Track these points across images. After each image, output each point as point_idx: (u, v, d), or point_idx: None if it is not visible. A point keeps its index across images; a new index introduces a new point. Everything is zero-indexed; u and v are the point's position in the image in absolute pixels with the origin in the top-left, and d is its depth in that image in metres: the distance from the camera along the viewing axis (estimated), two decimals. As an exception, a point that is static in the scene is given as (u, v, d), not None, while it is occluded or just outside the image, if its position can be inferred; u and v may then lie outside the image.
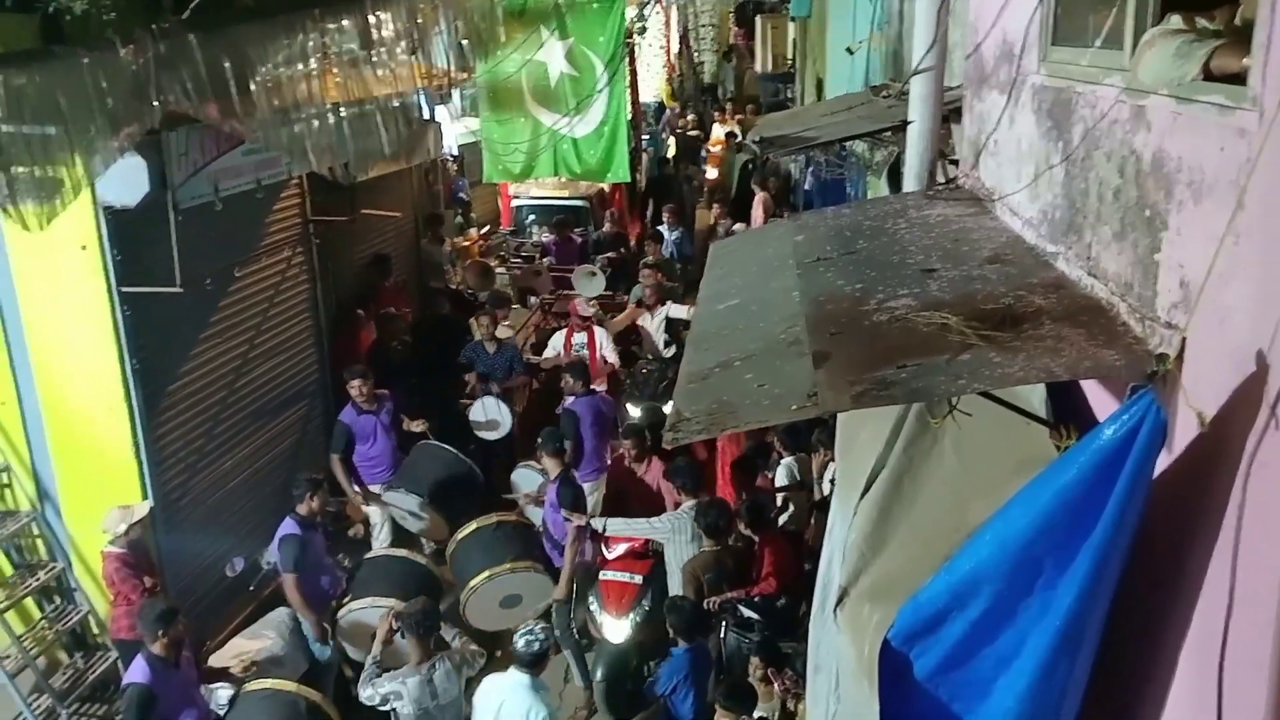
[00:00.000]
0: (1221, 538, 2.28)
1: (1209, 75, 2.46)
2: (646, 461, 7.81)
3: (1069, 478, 2.38)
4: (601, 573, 7.32)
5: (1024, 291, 3.16)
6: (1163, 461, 2.44)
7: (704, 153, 20.50)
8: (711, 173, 18.15)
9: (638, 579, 7.21)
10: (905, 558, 3.48)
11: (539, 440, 7.61)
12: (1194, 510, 2.42)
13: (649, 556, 7.31)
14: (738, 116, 19.74)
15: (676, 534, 6.84)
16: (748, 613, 6.59)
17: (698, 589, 6.53)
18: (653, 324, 10.51)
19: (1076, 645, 2.55)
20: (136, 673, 5.56)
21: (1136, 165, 2.81)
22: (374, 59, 5.70)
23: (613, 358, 9.91)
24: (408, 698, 5.64)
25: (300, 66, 5.32)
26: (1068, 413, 3.07)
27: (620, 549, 7.34)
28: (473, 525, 7.44)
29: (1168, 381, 2.42)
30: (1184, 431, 2.46)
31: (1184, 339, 2.46)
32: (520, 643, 5.58)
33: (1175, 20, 2.59)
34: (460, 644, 6.06)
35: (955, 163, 5.31)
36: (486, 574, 7.12)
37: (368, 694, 5.73)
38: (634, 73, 14.27)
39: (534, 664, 5.59)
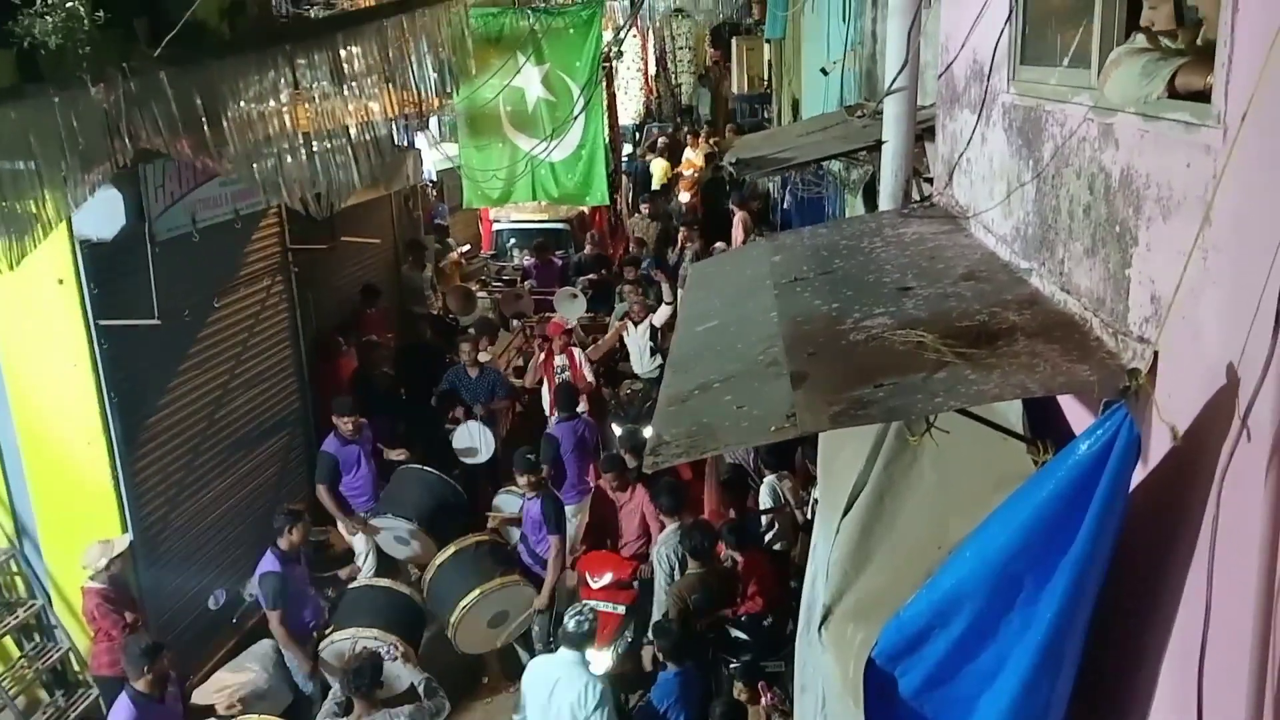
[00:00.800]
0: (1198, 549, 2.30)
1: (1174, 93, 2.50)
2: (629, 490, 7.61)
3: (1046, 493, 2.39)
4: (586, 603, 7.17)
5: (998, 308, 3.18)
6: (1138, 475, 2.45)
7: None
8: (684, 196, 17.83)
9: (621, 609, 7.14)
10: (887, 576, 3.49)
11: (513, 462, 7.62)
12: (1170, 522, 2.44)
13: (633, 587, 7.25)
14: (714, 139, 19.76)
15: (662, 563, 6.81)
16: (735, 633, 6.58)
17: (683, 610, 6.51)
18: (638, 338, 10.53)
19: (1058, 660, 2.55)
20: (121, 710, 5.49)
21: (1106, 182, 2.85)
22: (346, 91, 5.72)
23: (590, 378, 9.92)
24: None
25: (272, 101, 5.34)
26: (1045, 428, 3.09)
27: (605, 579, 7.24)
28: (451, 549, 7.39)
29: (1141, 396, 2.45)
30: (1158, 445, 2.48)
31: (1156, 353, 2.48)
32: (571, 623, 5.79)
33: (1140, 39, 2.63)
34: (422, 688, 5.93)
35: (930, 181, 5.35)
36: (479, 591, 7.06)
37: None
38: (612, 95, 14.34)
39: (584, 643, 5.81)
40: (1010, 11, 3.73)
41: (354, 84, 5.80)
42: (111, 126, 4.42)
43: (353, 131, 6.04)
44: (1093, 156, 2.95)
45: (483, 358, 10.02)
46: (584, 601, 6.66)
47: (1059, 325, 2.97)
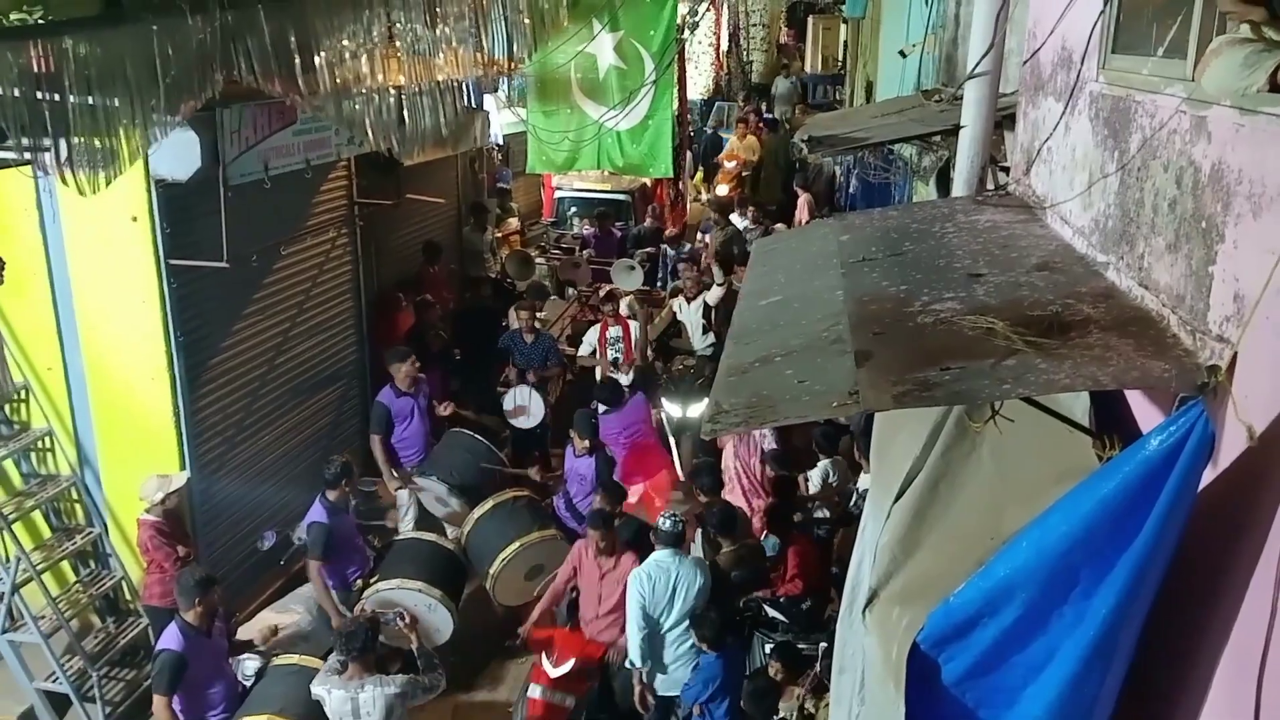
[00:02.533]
0: (1265, 554, 2.25)
1: (1275, 86, 2.42)
2: (614, 558, 6.64)
3: (1112, 487, 2.35)
4: (531, 687, 6.55)
5: (1072, 300, 3.13)
6: (1207, 475, 2.40)
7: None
8: (721, 190, 17.12)
9: (570, 703, 6.53)
10: (937, 562, 3.46)
11: (574, 420, 7.65)
12: (1238, 525, 2.39)
13: (594, 678, 6.62)
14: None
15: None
16: (772, 613, 6.57)
17: (727, 587, 6.52)
18: (690, 314, 10.52)
19: (1109, 657, 2.52)
20: (169, 639, 5.63)
21: (1195, 176, 2.77)
22: (436, 37, 5.71)
23: (648, 351, 9.94)
24: (328, 708, 5.53)
25: (364, 43, 5.35)
26: (1111, 423, 3.04)
27: (567, 666, 6.48)
28: (489, 503, 7.47)
29: (1217, 394, 2.39)
30: (1230, 445, 2.43)
31: (1235, 353, 2.42)
32: (666, 524, 6.31)
33: (1243, 29, 2.55)
34: (422, 661, 5.95)
35: (1006, 169, 5.26)
36: (519, 543, 7.16)
37: (314, 691, 5.59)
38: (682, 69, 14.24)
39: (678, 541, 6.34)
40: (1106, -2, 3.63)
41: (445, 30, 5.79)
42: (205, 59, 4.46)
43: (440, 80, 6.04)
44: (1182, 150, 2.88)
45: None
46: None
47: (1135, 320, 2.91)
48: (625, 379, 9.53)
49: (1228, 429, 2.40)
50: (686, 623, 6.15)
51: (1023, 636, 2.63)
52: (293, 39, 4.82)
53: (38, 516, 7.12)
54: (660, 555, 6.26)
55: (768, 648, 6.33)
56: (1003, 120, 5.32)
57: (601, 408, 8.54)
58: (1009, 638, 2.66)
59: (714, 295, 10.26)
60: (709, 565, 6.54)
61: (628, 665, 6.25)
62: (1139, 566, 2.36)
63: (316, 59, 5.10)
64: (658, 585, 6.14)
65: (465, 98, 7.27)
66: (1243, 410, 2.28)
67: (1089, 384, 2.60)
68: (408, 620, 6.14)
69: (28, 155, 4.60)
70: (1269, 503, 2.23)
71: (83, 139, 4.50)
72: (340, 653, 5.60)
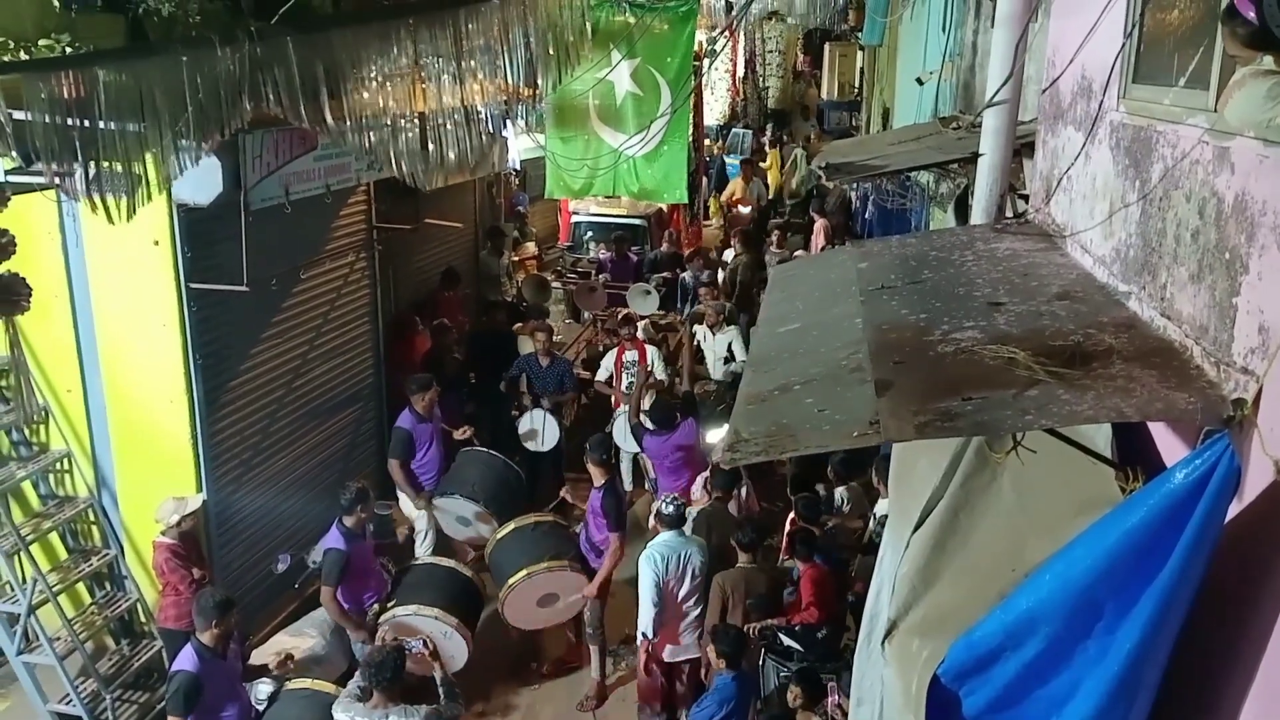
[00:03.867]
0: (1293, 591, 2.22)
1: (1299, 119, 2.42)
2: None
3: (1136, 520, 2.33)
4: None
5: (1094, 329, 3.11)
6: (1233, 509, 2.38)
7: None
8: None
9: None
10: (958, 593, 3.43)
11: (586, 447, 7.63)
12: (1264, 561, 2.36)
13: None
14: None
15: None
16: (788, 641, 6.53)
17: (724, 605, 6.53)
18: (714, 345, 10.53)
19: (1133, 692, 2.49)
20: (185, 660, 5.62)
21: (1218, 207, 2.76)
22: (461, 69, 5.77)
23: (662, 375, 9.92)
24: None
25: (391, 74, 5.40)
26: (1134, 455, 3.01)
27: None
28: (510, 526, 7.47)
29: (1243, 428, 2.37)
30: (1257, 479, 2.40)
31: (1261, 385, 2.40)
32: (669, 508, 6.77)
33: (1267, 61, 2.55)
34: (444, 690, 5.91)
35: (1025, 197, 5.25)
36: (525, 572, 7.14)
37: (337, 717, 5.58)
38: (699, 96, 14.29)
39: (679, 522, 6.79)
40: (1128, 27, 3.63)
41: (470, 62, 5.85)
42: (234, 90, 4.51)
43: (463, 110, 6.10)
44: (1205, 180, 2.87)
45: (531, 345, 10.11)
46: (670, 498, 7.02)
47: (1158, 351, 2.90)
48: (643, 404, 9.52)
49: (1253, 462, 2.38)
50: (698, 594, 6.71)
51: (1045, 670, 2.60)
52: (320, 70, 4.87)
53: (55, 538, 7.14)
54: (666, 536, 6.73)
55: (782, 675, 6.29)
56: (1022, 148, 5.32)
57: (650, 426, 8.59)
58: (1031, 671, 2.64)
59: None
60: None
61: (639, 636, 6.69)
62: (1164, 601, 2.34)
63: (343, 89, 5.15)
64: (670, 563, 6.63)
65: (487, 124, 7.31)
66: (1269, 444, 2.26)
67: (1113, 415, 2.58)
68: (431, 648, 6.11)
69: (56, 180, 4.64)
70: (1297, 538, 2.21)
71: (110, 165, 4.54)
72: (366, 680, 5.57)
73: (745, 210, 16.81)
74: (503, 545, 7.43)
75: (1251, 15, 2.42)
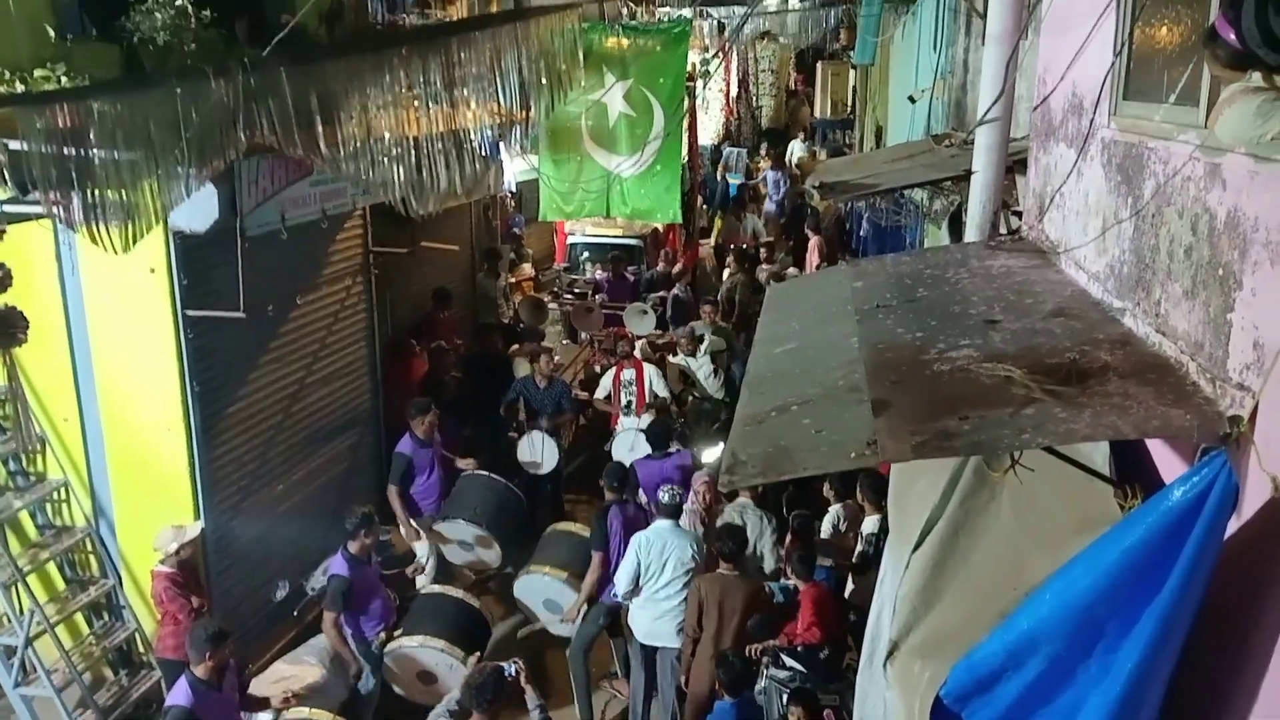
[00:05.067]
0: (1294, 608, 2.22)
1: (1290, 135, 2.42)
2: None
3: (1136, 539, 2.33)
4: None
5: (1089, 346, 3.11)
6: (1232, 525, 2.37)
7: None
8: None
9: None
10: (959, 614, 3.42)
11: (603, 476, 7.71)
12: (1264, 577, 2.35)
13: None
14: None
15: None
16: (790, 662, 6.49)
17: (700, 609, 6.59)
18: (700, 366, 10.53)
19: (1136, 711, 2.48)
20: (179, 694, 5.57)
21: (1210, 223, 2.77)
22: (455, 97, 5.80)
23: (663, 393, 9.92)
24: None
25: (385, 103, 5.43)
26: (1132, 472, 3.01)
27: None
28: (563, 526, 7.88)
29: (1240, 444, 2.37)
30: (1254, 495, 2.40)
31: (1257, 401, 2.40)
32: (665, 497, 7.01)
33: (1256, 78, 2.56)
34: (536, 714, 5.90)
35: (1018, 213, 5.27)
36: (547, 569, 7.46)
37: None
38: (692, 115, 14.33)
39: (675, 513, 7.07)
40: (1117, 46, 3.65)
41: (464, 90, 5.88)
42: (229, 120, 4.53)
43: (457, 139, 6.13)
44: (1197, 196, 2.88)
45: (526, 369, 10.12)
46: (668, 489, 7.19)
47: (1153, 367, 2.90)
48: (640, 423, 9.52)
49: (1251, 478, 2.38)
50: (679, 585, 6.86)
51: (1048, 691, 2.59)
52: (314, 100, 4.89)
53: (52, 568, 7.10)
54: (660, 524, 7.00)
55: (784, 697, 6.25)
56: (1014, 165, 5.33)
57: (645, 450, 8.63)
58: (1034, 692, 2.62)
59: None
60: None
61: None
62: (1165, 619, 2.33)
63: (338, 119, 5.17)
64: (653, 548, 6.87)
65: (481, 149, 7.33)
66: (1266, 460, 2.26)
67: (1110, 433, 2.58)
68: (524, 672, 6.04)
69: (53, 210, 4.64)
70: (1297, 554, 2.20)
71: (108, 193, 4.55)
72: (467, 700, 5.56)
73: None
74: (554, 536, 7.79)
75: (1232, 37, 2.45)
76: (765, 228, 17.60)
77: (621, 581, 6.95)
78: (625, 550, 7.15)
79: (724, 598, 6.60)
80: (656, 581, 6.92)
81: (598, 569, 7.30)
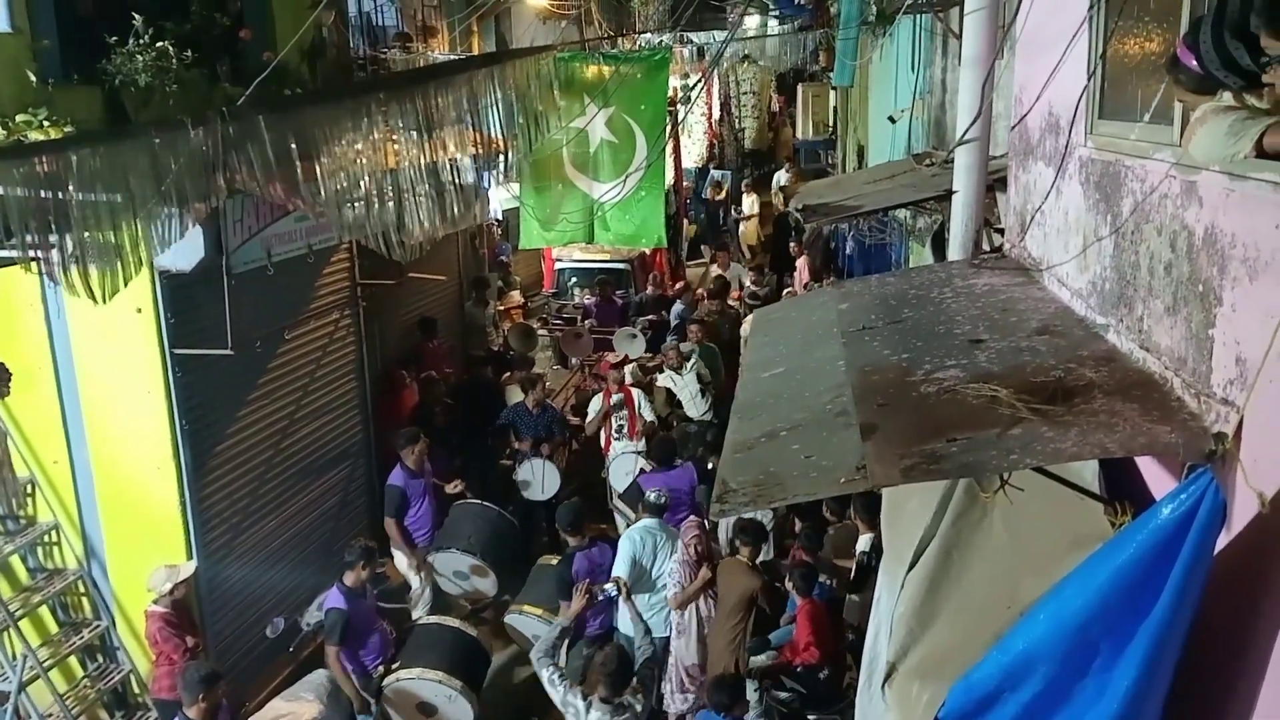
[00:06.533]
0: (1285, 622, 2.23)
1: (1262, 153, 2.46)
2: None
3: (1126, 557, 2.34)
4: None
5: (1074, 364, 3.13)
6: (1221, 541, 2.39)
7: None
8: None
9: None
10: (955, 634, 3.42)
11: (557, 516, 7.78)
12: (1255, 592, 2.37)
13: None
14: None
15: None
16: (789, 683, 6.48)
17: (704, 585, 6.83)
18: (686, 384, 10.52)
19: (1134, 729, 2.48)
20: (173, 736, 5.54)
21: (1188, 240, 2.80)
22: (434, 139, 5.84)
23: (650, 416, 9.92)
24: (580, 718, 5.72)
25: (363, 147, 5.46)
26: (1122, 489, 3.03)
27: None
28: (555, 560, 7.73)
29: (1226, 460, 2.39)
30: (1242, 511, 2.42)
31: (1241, 417, 2.42)
32: (651, 496, 7.41)
33: (1226, 97, 2.60)
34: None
35: (1001, 231, 5.31)
36: (528, 608, 7.46)
37: (547, 674, 5.85)
38: (676, 139, 14.40)
39: (660, 511, 7.37)
40: (1091, 66, 3.70)
41: (442, 132, 5.93)
42: (209, 167, 4.55)
43: (439, 175, 6.16)
44: (1175, 214, 2.91)
45: (517, 394, 10.11)
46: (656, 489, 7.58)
47: (1138, 384, 2.92)
48: (634, 448, 9.52)
49: (1239, 494, 2.39)
50: (661, 581, 7.15)
51: (1045, 711, 2.59)
52: (293, 146, 4.91)
53: (44, 611, 7.05)
54: (648, 522, 7.29)
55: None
56: (995, 183, 5.38)
57: (647, 466, 8.60)
58: (1031, 713, 2.62)
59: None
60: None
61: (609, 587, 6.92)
62: (1158, 637, 2.34)
63: (317, 166, 5.20)
64: (646, 544, 7.16)
65: (464, 181, 7.35)
66: (1253, 476, 2.28)
67: (1097, 452, 2.60)
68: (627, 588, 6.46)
69: (33, 258, 4.64)
70: (1285, 569, 2.22)
71: (87, 242, 4.54)
72: (608, 690, 5.68)
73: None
74: (541, 572, 7.73)
75: (1193, 63, 2.49)
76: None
77: (620, 570, 7.06)
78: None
79: (728, 581, 6.86)
80: (650, 571, 7.14)
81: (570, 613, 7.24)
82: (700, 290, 14.24)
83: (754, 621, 6.94)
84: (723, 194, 21.89)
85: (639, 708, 5.87)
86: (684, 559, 7.06)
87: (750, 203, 20.45)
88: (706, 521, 7.45)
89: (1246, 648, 2.38)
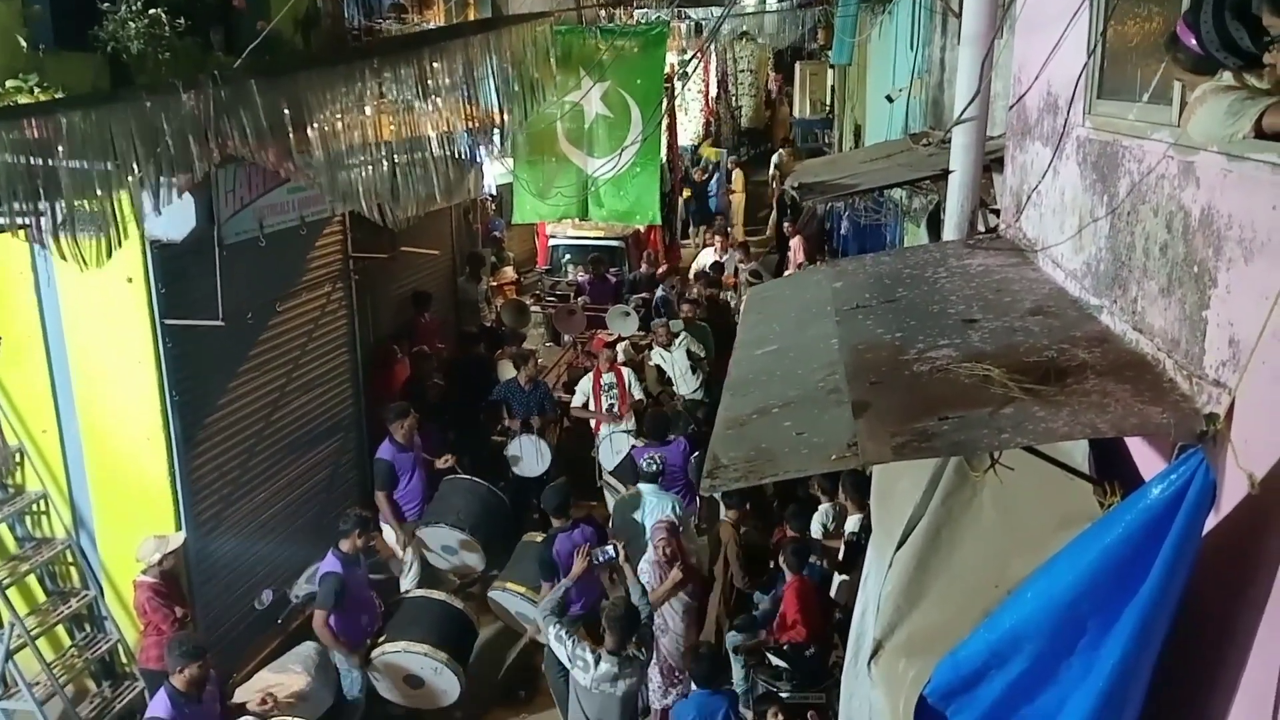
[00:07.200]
0: (1271, 601, 2.23)
1: (1260, 133, 2.45)
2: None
3: (1115, 536, 2.34)
4: None
5: (1067, 344, 3.13)
6: (1210, 522, 2.39)
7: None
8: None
9: None
10: (942, 612, 3.43)
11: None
12: (1243, 573, 2.37)
13: None
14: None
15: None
16: (776, 661, 6.51)
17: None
18: (674, 361, 10.52)
19: (1119, 708, 2.49)
20: (158, 706, 5.54)
21: (1185, 221, 2.79)
22: (428, 106, 5.79)
23: (640, 395, 9.93)
24: (589, 671, 5.81)
25: (357, 113, 5.41)
26: (1112, 469, 3.03)
27: None
28: (539, 538, 7.60)
29: (1217, 441, 2.39)
30: (1232, 492, 2.42)
31: (1233, 398, 2.42)
32: (643, 463, 7.75)
33: (1226, 77, 2.58)
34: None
35: (996, 212, 5.29)
36: (511, 586, 7.41)
37: (554, 632, 5.94)
38: (672, 116, 14.33)
39: (655, 478, 7.71)
40: (1091, 45, 3.68)
41: (437, 99, 5.87)
42: (200, 132, 4.50)
43: (433, 145, 6.11)
44: (1171, 194, 2.90)
45: (509, 370, 10.10)
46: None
47: (1130, 365, 2.92)
48: (624, 428, 9.53)
49: (1229, 475, 2.40)
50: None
51: (1031, 689, 2.60)
52: (285, 112, 4.86)
53: (32, 580, 7.04)
54: (642, 486, 7.68)
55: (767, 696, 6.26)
56: (991, 163, 5.36)
57: (639, 444, 8.64)
58: (1017, 690, 2.63)
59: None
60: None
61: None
62: (1146, 616, 2.34)
63: (310, 131, 5.14)
64: (642, 507, 7.52)
65: (458, 152, 7.30)
66: (1243, 457, 2.28)
67: (1088, 432, 2.60)
68: (623, 553, 6.46)
69: (22, 223, 4.60)
70: (1273, 549, 2.22)
71: (79, 204, 4.51)
72: (610, 626, 5.84)
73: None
74: (526, 548, 7.66)
75: (1193, 42, 2.48)
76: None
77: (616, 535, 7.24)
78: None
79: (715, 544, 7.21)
80: (642, 537, 7.33)
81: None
82: (691, 275, 14.25)
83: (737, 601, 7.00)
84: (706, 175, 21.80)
85: (642, 658, 6.00)
86: (654, 559, 7.03)
87: (738, 178, 20.39)
88: (677, 524, 7.38)
89: (1233, 627, 2.39)
